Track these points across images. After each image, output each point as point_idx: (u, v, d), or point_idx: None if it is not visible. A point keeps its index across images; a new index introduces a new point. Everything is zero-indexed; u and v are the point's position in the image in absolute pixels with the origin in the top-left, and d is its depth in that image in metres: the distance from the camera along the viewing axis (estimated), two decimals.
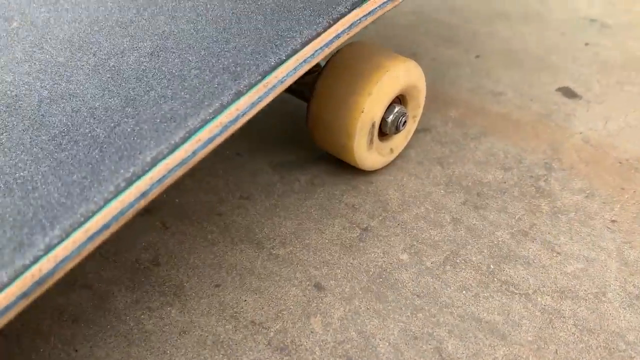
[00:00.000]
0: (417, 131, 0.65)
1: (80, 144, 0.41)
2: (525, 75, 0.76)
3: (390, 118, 0.55)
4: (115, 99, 0.44)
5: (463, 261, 0.51)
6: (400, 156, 0.62)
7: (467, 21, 0.89)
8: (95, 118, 0.42)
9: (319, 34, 0.46)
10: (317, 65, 0.53)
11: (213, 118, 0.41)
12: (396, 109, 0.55)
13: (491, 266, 0.51)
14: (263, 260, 0.51)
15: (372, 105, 0.53)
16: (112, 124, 0.42)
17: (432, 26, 0.87)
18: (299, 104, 0.61)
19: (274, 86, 0.44)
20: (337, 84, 0.54)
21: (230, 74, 0.44)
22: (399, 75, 0.55)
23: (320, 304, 0.47)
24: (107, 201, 0.37)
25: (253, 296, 0.48)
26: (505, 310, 0.47)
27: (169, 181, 0.40)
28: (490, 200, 0.57)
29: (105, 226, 0.37)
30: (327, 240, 0.53)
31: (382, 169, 0.60)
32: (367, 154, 0.56)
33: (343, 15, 0.48)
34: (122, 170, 0.39)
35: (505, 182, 0.59)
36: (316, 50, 0.46)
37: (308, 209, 0.56)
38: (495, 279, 0.50)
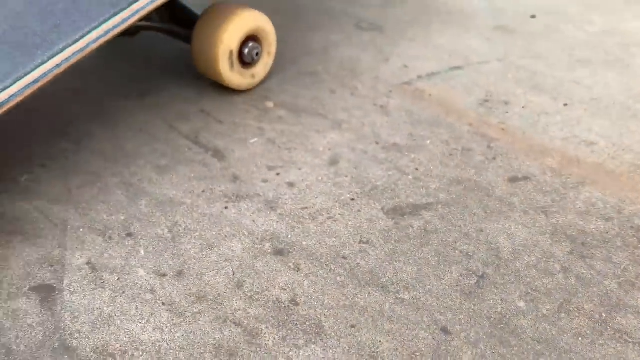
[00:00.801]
0: (518, 179, 0.69)
1: None
2: (614, 123, 0.80)
3: (246, 50, 0.80)
4: None
5: (576, 309, 0.55)
6: (505, 204, 0.66)
7: (551, 68, 0.93)
8: None
9: None
10: (195, 15, 0.81)
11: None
12: (250, 44, 0.80)
13: (603, 314, 0.55)
14: (391, 304, 0.55)
15: (229, 38, 0.77)
16: None
17: (519, 73, 0.91)
18: None
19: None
20: (208, 26, 0.78)
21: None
22: (248, 19, 0.79)
23: (450, 347, 0.52)
24: None
25: (387, 337, 0.53)
26: (622, 357, 0.51)
27: None
28: (595, 250, 0.61)
29: None
30: (447, 286, 0.57)
31: (490, 217, 0.64)
32: (231, 75, 0.80)
33: None
34: None
35: (607, 232, 0.63)
36: None
37: (425, 255, 0.61)
38: (609, 327, 0.53)
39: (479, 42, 0.99)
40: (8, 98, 0.60)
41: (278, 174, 0.71)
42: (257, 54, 0.81)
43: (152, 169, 0.71)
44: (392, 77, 0.89)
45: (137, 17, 0.67)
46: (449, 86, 0.88)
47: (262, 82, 0.85)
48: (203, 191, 0.68)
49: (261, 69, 0.83)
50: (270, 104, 0.83)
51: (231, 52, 0.78)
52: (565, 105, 0.84)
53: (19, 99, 0.61)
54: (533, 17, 1.08)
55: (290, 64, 0.91)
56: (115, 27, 0.66)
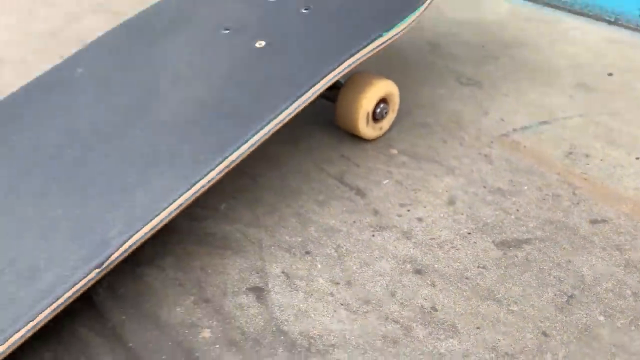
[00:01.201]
0: (597, 221, 0.90)
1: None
2: None
3: (378, 110, 1.02)
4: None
5: None
6: (588, 241, 0.86)
7: (627, 124, 1.12)
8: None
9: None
10: (339, 82, 0.99)
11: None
12: (381, 105, 1.02)
13: None
14: (504, 313, 0.77)
15: (367, 103, 1.00)
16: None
17: (598, 129, 1.11)
18: None
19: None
20: (351, 92, 1.00)
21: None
22: (382, 87, 1.01)
23: (549, 346, 0.73)
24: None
25: (503, 337, 0.74)
26: None
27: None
28: None
29: None
30: (545, 302, 0.78)
31: (576, 251, 0.85)
32: (366, 129, 1.03)
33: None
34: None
35: None
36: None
37: (527, 278, 0.82)
38: None
39: (562, 99, 1.19)
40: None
41: (408, 210, 0.94)
42: (385, 112, 1.03)
43: (313, 202, 0.95)
44: (492, 129, 1.10)
45: (313, 97, 0.90)
46: (539, 139, 1.08)
47: (386, 132, 1.07)
48: (354, 222, 0.92)
49: (386, 123, 1.06)
50: (394, 151, 1.06)
51: (368, 113, 1.00)
52: (637, 159, 1.03)
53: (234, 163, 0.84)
54: (610, 74, 1.27)
55: (406, 115, 1.13)
56: (292, 111, 0.84)
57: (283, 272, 0.83)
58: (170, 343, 0.74)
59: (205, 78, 0.91)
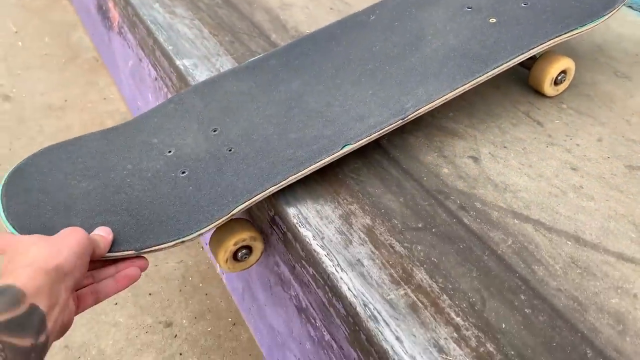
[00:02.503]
0: None
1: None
2: None
3: (559, 77, 1.49)
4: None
5: None
6: None
7: None
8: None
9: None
10: (535, 55, 1.46)
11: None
12: (562, 75, 1.49)
13: None
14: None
15: (553, 72, 1.47)
16: None
17: None
18: None
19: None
20: (543, 63, 1.48)
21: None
22: (564, 63, 1.47)
23: None
24: None
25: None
26: None
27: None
28: None
29: None
30: None
31: None
32: (549, 89, 1.50)
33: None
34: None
35: None
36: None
37: None
38: None
39: None
40: None
41: (570, 139, 1.45)
42: (563, 80, 1.46)
43: (508, 123, 1.48)
44: (635, 107, 1.59)
45: (524, 58, 1.43)
46: None
47: (560, 93, 1.55)
48: (534, 138, 1.44)
49: (562, 87, 1.50)
50: (564, 106, 1.56)
51: (552, 78, 1.44)
52: None
53: None
54: None
55: (573, 87, 1.64)
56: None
57: (489, 153, 1.38)
58: (426, 170, 1.31)
59: (455, 35, 1.36)
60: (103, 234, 0.84)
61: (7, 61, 3.27)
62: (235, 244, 1.04)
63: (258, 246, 1.08)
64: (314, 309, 1.08)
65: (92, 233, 0.84)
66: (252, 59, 1.46)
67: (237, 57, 1.75)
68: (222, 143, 1.08)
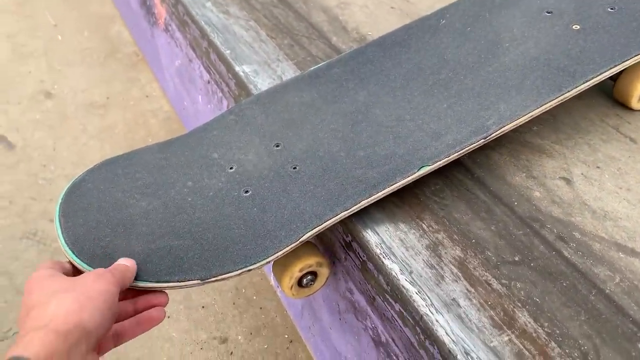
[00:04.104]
0: None
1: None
2: None
3: None
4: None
5: None
6: None
7: None
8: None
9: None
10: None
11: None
12: None
13: None
14: None
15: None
16: None
17: None
18: None
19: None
20: (629, 75, 1.34)
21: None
22: None
23: None
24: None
25: None
26: None
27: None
28: None
29: None
30: None
31: None
32: (637, 104, 1.37)
33: None
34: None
35: None
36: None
37: None
38: None
39: None
40: None
41: None
42: None
43: (598, 139, 1.36)
44: None
45: (612, 73, 1.28)
46: None
47: None
48: (629, 156, 1.32)
49: None
50: None
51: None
52: None
53: None
54: None
55: None
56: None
57: (582, 174, 1.26)
58: (516, 193, 1.20)
59: (535, 42, 1.25)
60: (128, 264, 0.76)
61: (47, 56, 3.25)
62: (300, 270, 0.98)
63: (324, 272, 1.01)
64: (397, 346, 0.99)
65: (117, 263, 0.77)
66: (315, 66, 1.29)
67: (298, 63, 1.66)
68: (286, 160, 1.00)
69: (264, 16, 1.96)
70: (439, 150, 1.01)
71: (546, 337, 0.85)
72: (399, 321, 0.96)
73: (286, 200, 0.93)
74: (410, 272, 0.94)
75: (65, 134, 2.78)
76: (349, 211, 0.92)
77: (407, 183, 0.97)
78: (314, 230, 0.89)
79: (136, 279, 0.79)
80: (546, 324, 0.86)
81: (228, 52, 1.76)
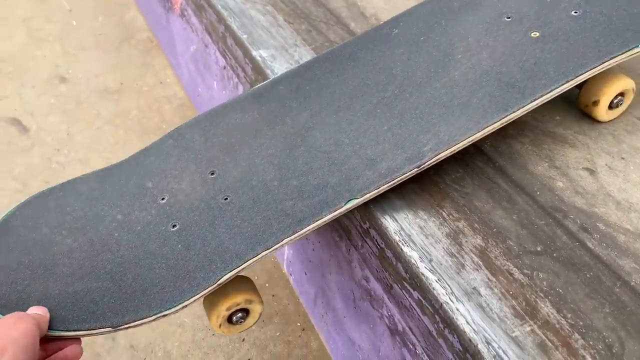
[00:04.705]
0: None
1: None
2: None
3: (615, 101, 1.24)
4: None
5: None
6: None
7: None
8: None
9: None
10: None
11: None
12: (618, 98, 1.24)
13: None
14: None
15: (610, 95, 1.22)
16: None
17: None
18: None
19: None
20: (592, 86, 1.21)
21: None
22: (622, 82, 1.21)
23: None
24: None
25: None
26: None
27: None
28: None
29: None
30: None
31: None
32: (604, 114, 1.25)
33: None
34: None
35: None
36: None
37: None
38: None
39: None
40: None
41: None
42: (620, 104, 1.24)
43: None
44: None
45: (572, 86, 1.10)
46: None
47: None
48: None
49: (619, 111, 1.29)
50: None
51: (610, 102, 1.23)
52: None
53: None
54: None
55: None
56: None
57: (606, 165, 1.23)
58: (538, 183, 1.18)
59: (489, 53, 1.13)
60: (40, 312, 0.75)
61: (62, 40, 3.24)
62: (228, 309, 0.91)
63: (256, 308, 0.94)
64: (414, 335, 0.98)
65: (29, 312, 0.74)
66: (260, 84, 1.20)
67: (315, 48, 1.64)
68: (219, 189, 0.96)
69: (281, 1, 1.93)
70: (369, 180, 0.95)
71: (569, 329, 0.83)
72: (417, 309, 0.94)
73: (211, 236, 0.89)
74: (430, 260, 0.92)
75: (79, 119, 2.78)
76: (269, 250, 0.87)
77: (332, 218, 0.91)
78: (233, 272, 0.85)
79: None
80: (569, 315, 0.84)
81: (245, 36, 1.74)
